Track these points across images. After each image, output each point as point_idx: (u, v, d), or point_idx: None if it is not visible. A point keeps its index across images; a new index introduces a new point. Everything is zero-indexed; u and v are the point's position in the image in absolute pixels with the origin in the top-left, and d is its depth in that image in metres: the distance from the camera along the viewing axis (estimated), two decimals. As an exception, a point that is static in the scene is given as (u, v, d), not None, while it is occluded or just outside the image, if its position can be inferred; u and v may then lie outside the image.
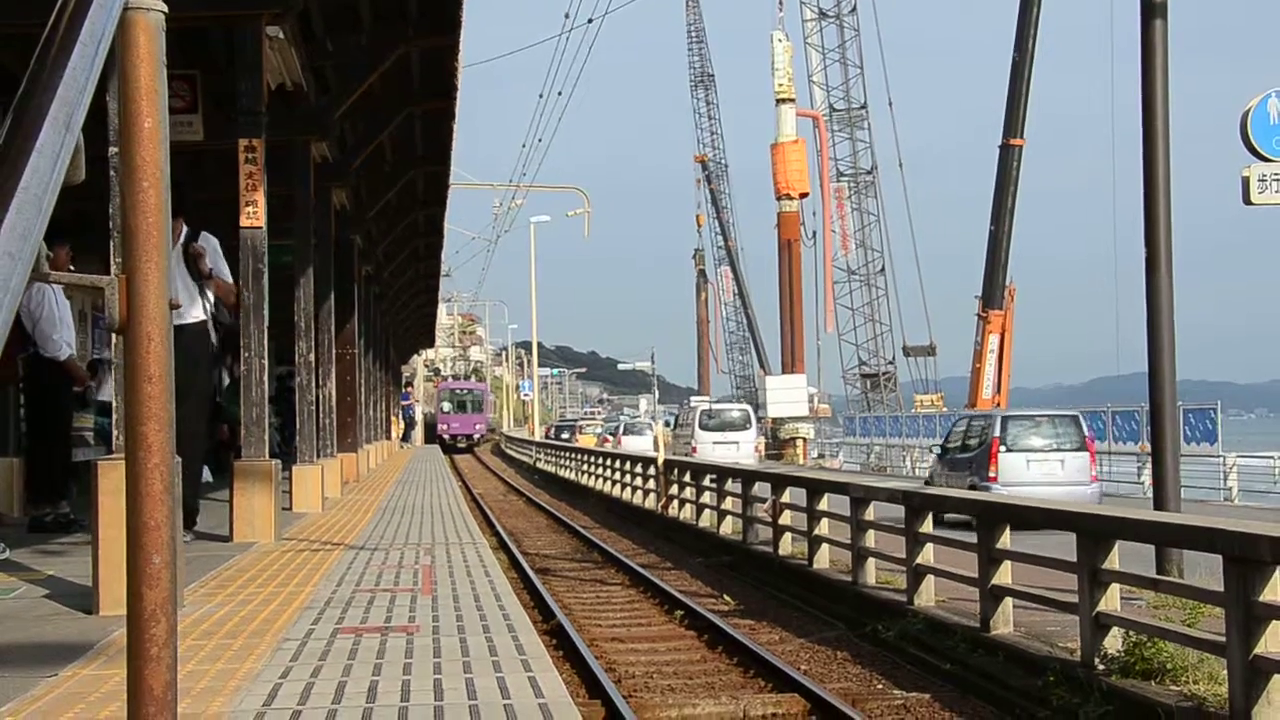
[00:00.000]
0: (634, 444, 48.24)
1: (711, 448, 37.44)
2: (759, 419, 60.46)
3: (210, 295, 11.14)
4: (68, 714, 5.10)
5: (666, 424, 48.38)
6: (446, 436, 74.73)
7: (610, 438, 56.08)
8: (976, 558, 10.93)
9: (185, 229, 10.97)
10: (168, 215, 2.46)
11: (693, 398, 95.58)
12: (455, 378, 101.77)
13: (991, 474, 22.10)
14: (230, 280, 11.39)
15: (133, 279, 2.40)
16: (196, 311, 10.90)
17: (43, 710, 5.18)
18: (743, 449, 39.03)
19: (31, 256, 1.78)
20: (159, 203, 2.42)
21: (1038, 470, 22.05)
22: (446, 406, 79.71)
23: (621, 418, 77.19)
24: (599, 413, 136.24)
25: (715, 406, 46.41)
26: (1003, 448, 22.31)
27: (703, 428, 40.19)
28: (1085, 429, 23.50)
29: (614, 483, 31.63)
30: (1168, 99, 12.50)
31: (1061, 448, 22.66)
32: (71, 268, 10.64)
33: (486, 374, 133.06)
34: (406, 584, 9.55)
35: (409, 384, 75.74)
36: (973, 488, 20.67)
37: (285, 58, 14.04)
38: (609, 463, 33.46)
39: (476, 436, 78.28)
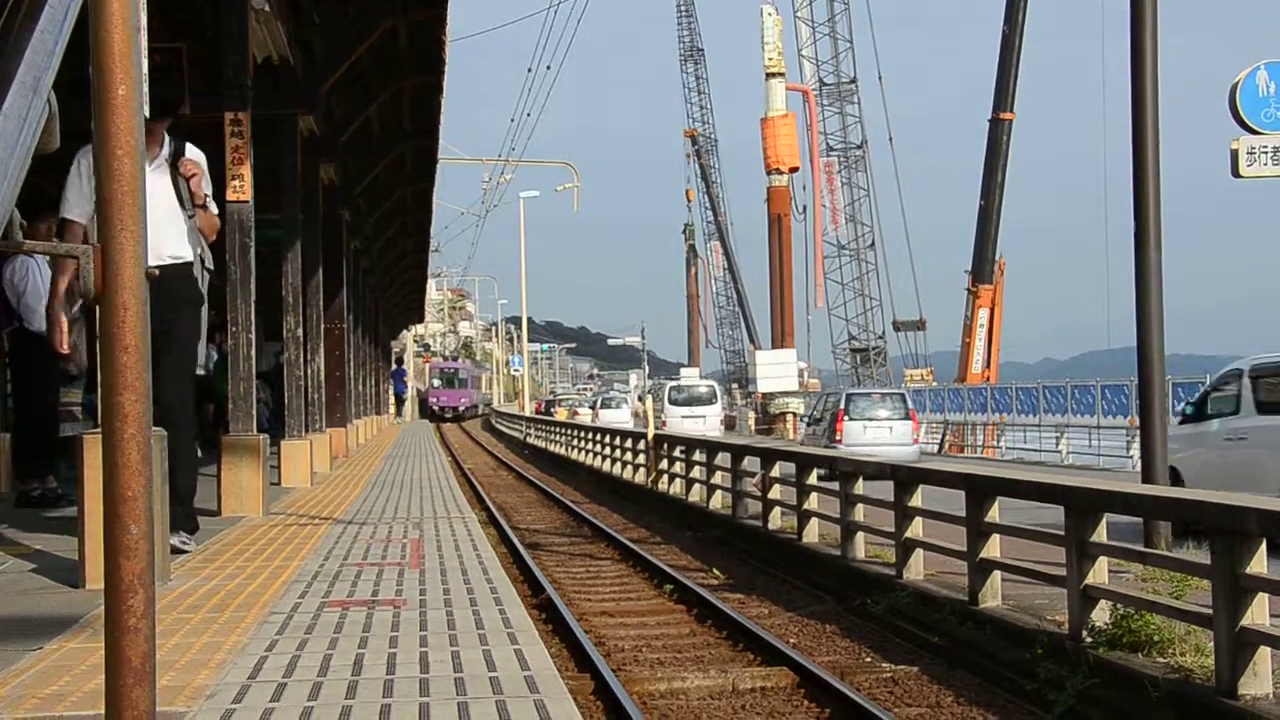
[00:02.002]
0: (610, 417, 52.09)
1: (680, 421, 40.93)
2: (749, 394, 60.94)
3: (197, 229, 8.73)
4: (53, 686, 5.09)
5: (640, 399, 54.25)
6: (435, 408, 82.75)
7: (579, 411, 61.89)
8: (965, 531, 10.94)
9: (169, 139, 8.62)
10: (143, 184, 2.44)
11: (682, 370, 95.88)
12: (445, 357, 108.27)
13: (838, 437, 28.33)
14: (216, 210, 8.95)
15: (108, 248, 2.37)
16: (179, 247, 8.61)
17: (28, 683, 5.16)
18: (709, 422, 42.75)
19: (1, 222, 1.76)
20: (134, 171, 2.39)
21: (872, 434, 28.15)
22: (436, 382, 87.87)
23: (613, 393, 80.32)
24: (590, 388, 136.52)
25: (684, 383, 50.20)
26: (846, 417, 28.73)
27: (672, 403, 44.02)
28: (909, 403, 30.46)
29: (604, 458, 31.64)
30: (1157, 70, 12.46)
31: (891, 417, 28.92)
32: (57, 240, 10.56)
33: (477, 349, 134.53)
34: (394, 558, 9.55)
35: (400, 360, 78.39)
36: (825, 447, 25.59)
37: (271, 30, 13.98)
38: (598, 437, 33.48)
39: (461, 408, 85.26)
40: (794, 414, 57.07)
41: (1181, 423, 16.18)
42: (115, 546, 2.43)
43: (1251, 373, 14.89)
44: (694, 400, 44.51)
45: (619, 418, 52.03)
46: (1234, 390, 15.19)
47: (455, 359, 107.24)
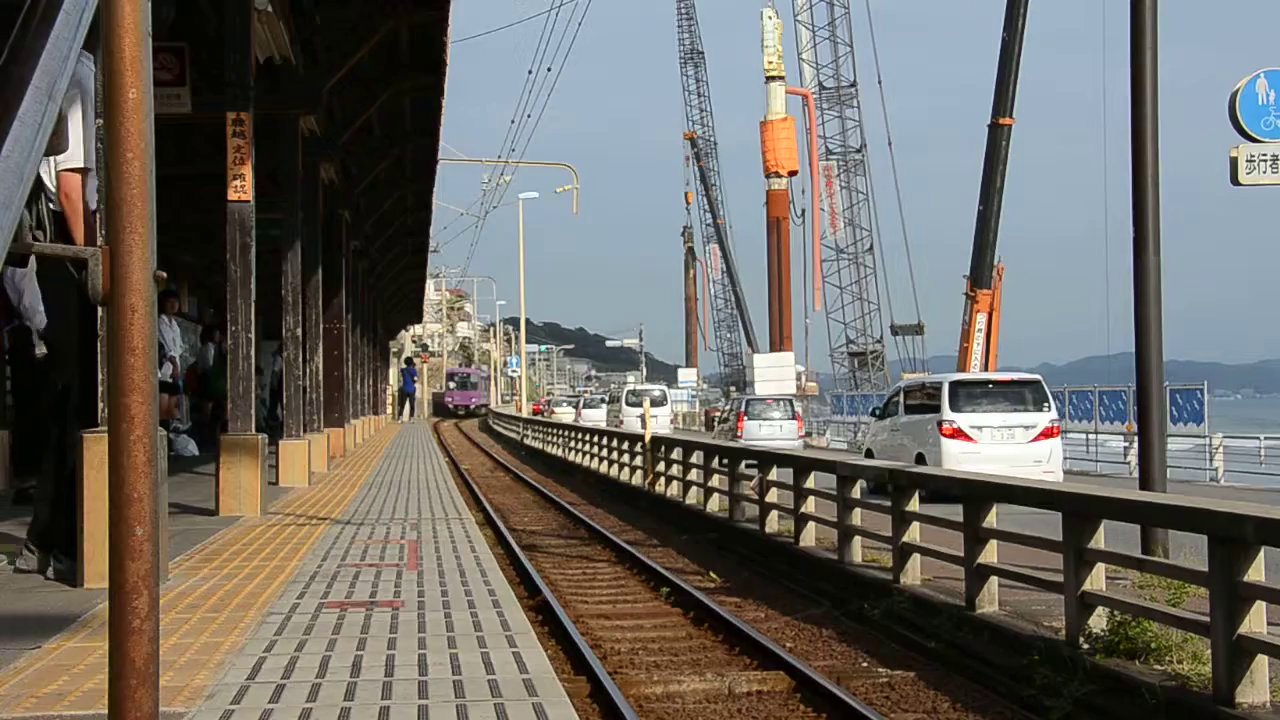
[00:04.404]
0: (592, 415, 61.46)
1: (635, 420, 46.60)
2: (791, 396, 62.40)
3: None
4: (52, 686, 5.10)
5: (605, 401, 66.92)
6: (451, 405, 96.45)
7: (555, 410, 72.53)
8: (962, 537, 10.94)
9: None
10: (152, 187, 2.44)
11: (679, 372, 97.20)
12: (460, 364, 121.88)
13: (740, 434, 35.84)
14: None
15: (116, 250, 2.38)
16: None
17: (26, 682, 5.17)
18: (659, 420, 49.52)
19: (12, 226, 1.77)
20: (143, 174, 2.39)
21: (766, 430, 36.14)
22: (452, 385, 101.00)
23: (594, 394, 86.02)
24: (589, 389, 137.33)
25: (639, 387, 64.80)
26: (746, 417, 37.01)
27: (628, 404, 52.58)
28: (796, 407, 40.25)
29: (601, 459, 31.62)
30: (1156, 75, 12.46)
31: (782, 418, 37.52)
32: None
33: (474, 350, 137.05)
34: (392, 559, 9.55)
35: (410, 361, 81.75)
36: (731, 439, 33.62)
37: (274, 31, 13.99)
38: (596, 439, 33.45)
39: (472, 406, 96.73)
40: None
41: (876, 419, 24.75)
42: (120, 548, 2.44)
43: (904, 388, 24.15)
44: (650, 402, 50.71)
45: (599, 416, 61.04)
46: (898, 399, 23.44)
47: (469, 365, 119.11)
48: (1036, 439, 21.00)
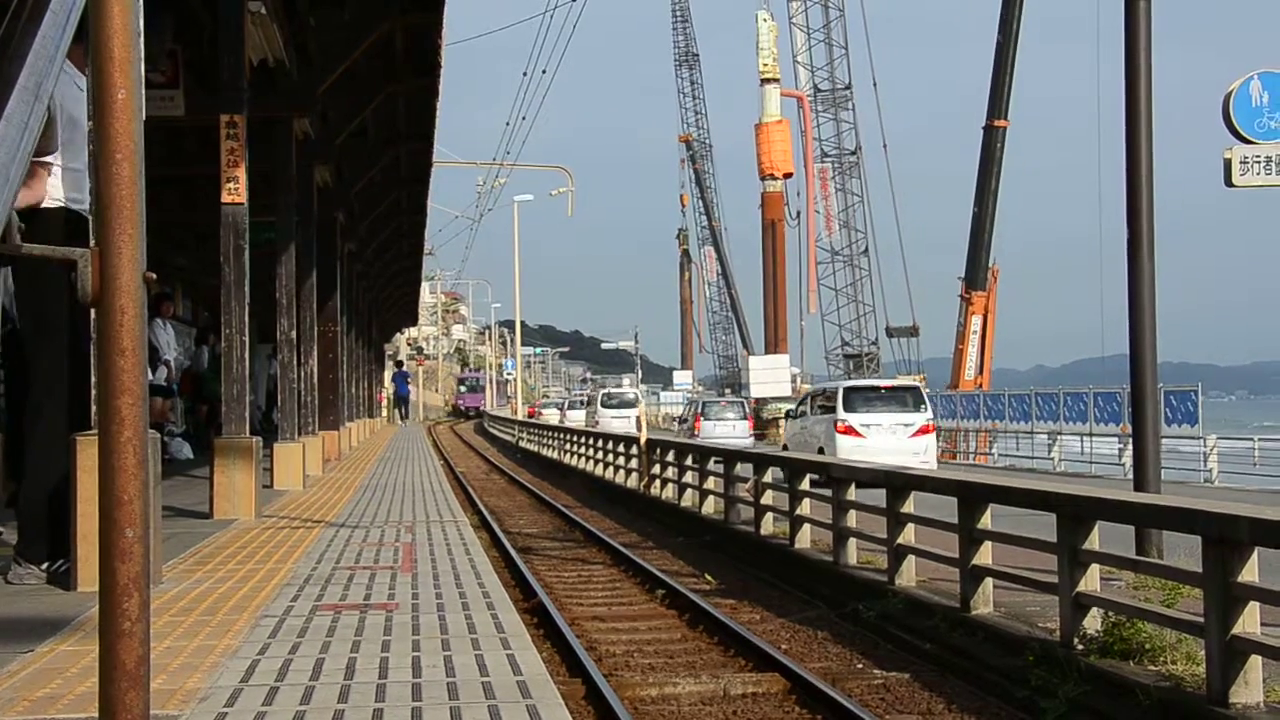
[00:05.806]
0: (575, 416, 65.35)
1: (610, 421, 50.71)
2: (744, 399, 62.37)
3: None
4: (44, 689, 5.08)
5: (584, 404, 70.57)
6: (462, 407, 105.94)
7: (543, 413, 74.14)
8: (957, 538, 10.94)
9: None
10: (141, 188, 2.43)
11: (675, 375, 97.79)
12: (466, 369, 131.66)
13: (696, 431, 41.91)
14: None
15: (106, 252, 2.37)
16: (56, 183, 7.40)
17: (18, 685, 5.15)
18: (632, 420, 52.85)
19: (0, 225, 1.76)
20: (132, 175, 2.39)
21: (721, 430, 41.78)
22: (462, 389, 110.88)
23: (578, 397, 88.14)
24: (585, 392, 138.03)
25: (613, 390, 67.48)
26: (703, 418, 43.42)
27: (604, 405, 56.44)
28: (746, 408, 47.39)
29: (596, 462, 31.60)
30: (1150, 77, 12.47)
31: (735, 418, 43.84)
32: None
33: (470, 353, 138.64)
34: (387, 561, 9.54)
35: (400, 364, 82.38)
36: (689, 437, 39.53)
37: (267, 33, 13.98)
38: (592, 442, 33.42)
39: (481, 407, 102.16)
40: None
41: (791, 419, 29.01)
42: (110, 550, 2.43)
43: (812, 393, 28.89)
44: (623, 404, 55.28)
45: (582, 417, 64.42)
46: (808, 401, 28.00)
47: (477, 370, 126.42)
48: (915, 435, 24.88)
